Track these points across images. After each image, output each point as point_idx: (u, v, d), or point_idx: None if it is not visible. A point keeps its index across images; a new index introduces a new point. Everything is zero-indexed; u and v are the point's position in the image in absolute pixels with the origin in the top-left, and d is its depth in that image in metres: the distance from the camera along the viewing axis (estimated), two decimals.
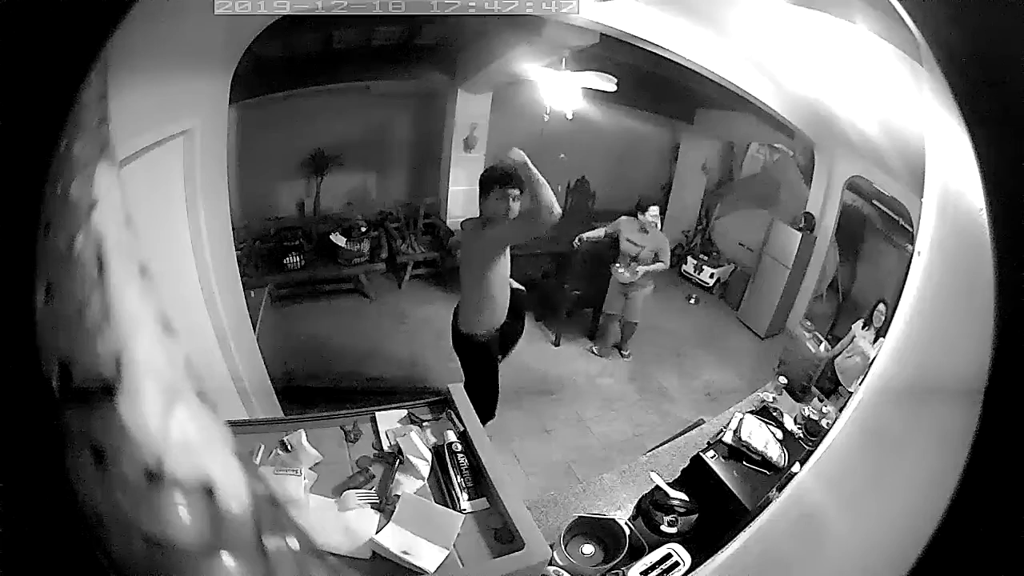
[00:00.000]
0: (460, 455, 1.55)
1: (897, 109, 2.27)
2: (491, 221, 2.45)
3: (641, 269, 3.57)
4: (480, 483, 1.49)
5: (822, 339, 3.34)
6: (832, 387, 2.96)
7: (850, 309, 3.74)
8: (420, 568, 1.26)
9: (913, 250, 1.05)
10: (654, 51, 2.88)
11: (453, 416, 1.72)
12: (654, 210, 3.58)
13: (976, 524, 0.65)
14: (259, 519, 0.52)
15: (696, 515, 1.87)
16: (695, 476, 2.10)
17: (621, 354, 3.88)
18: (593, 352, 3.93)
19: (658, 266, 3.61)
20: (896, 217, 3.27)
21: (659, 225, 3.62)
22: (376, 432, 1.66)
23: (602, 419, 3.38)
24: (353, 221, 3.97)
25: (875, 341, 2.92)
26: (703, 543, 1.47)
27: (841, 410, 1.24)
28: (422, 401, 1.80)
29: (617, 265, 3.63)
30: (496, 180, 2.42)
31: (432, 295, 4.10)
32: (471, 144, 4.24)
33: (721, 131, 4.68)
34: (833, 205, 3.76)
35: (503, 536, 1.37)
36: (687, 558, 1.51)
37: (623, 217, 3.68)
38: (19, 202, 0.59)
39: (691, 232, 4.74)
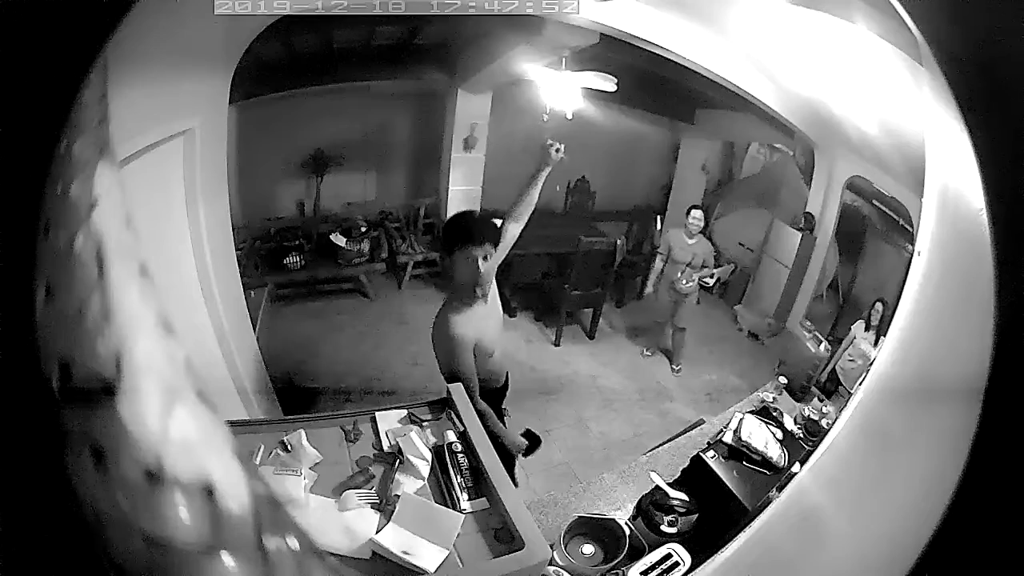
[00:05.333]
0: (460, 455, 1.55)
1: (897, 109, 2.27)
2: (457, 291, 1.98)
3: (696, 276, 3.65)
4: (480, 483, 1.49)
5: (822, 339, 3.35)
6: (833, 387, 2.96)
7: (850, 309, 3.75)
8: (420, 568, 1.26)
9: (913, 250, 1.05)
10: (654, 51, 2.88)
11: (453, 416, 1.72)
12: (697, 213, 3.63)
13: (976, 524, 0.65)
14: (259, 519, 0.52)
15: (696, 515, 1.87)
16: (695, 476, 2.10)
17: (673, 369, 3.90)
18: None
19: (706, 271, 3.67)
20: (896, 217, 3.28)
21: (702, 228, 3.67)
22: (376, 432, 1.65)
23: (602, 419, 3.38)
24: (353, 221, 3.98)
25: (875, 342, 2.92)
26: (703, 543, 1.47)
27: (841, 410, 1.24)
28: (422, 401, 1.80)
29: (680, 277, 3.66)
30: (462, 236, 1.88)
31: (432, 295, 4.10)
32: (471, 144, 4.24)
33: (721, 131, 4.68)
34: (833, 205, 3.76)
35: (503, 536, 1.36)
36: (687, 558, 1.51)
37: (671, 230, 3.77)
38: (19, 202, 0.59)
39: None
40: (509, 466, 2.18)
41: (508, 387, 2.36)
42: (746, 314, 4.23)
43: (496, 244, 1.93)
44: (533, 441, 2.18)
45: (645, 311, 4.34)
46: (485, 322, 2.03)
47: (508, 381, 2.35)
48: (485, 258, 1.89)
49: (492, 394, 2.20)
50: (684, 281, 3.63)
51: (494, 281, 2.09)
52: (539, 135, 3.82)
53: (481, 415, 1.85)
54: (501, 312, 2.15)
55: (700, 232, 3.64)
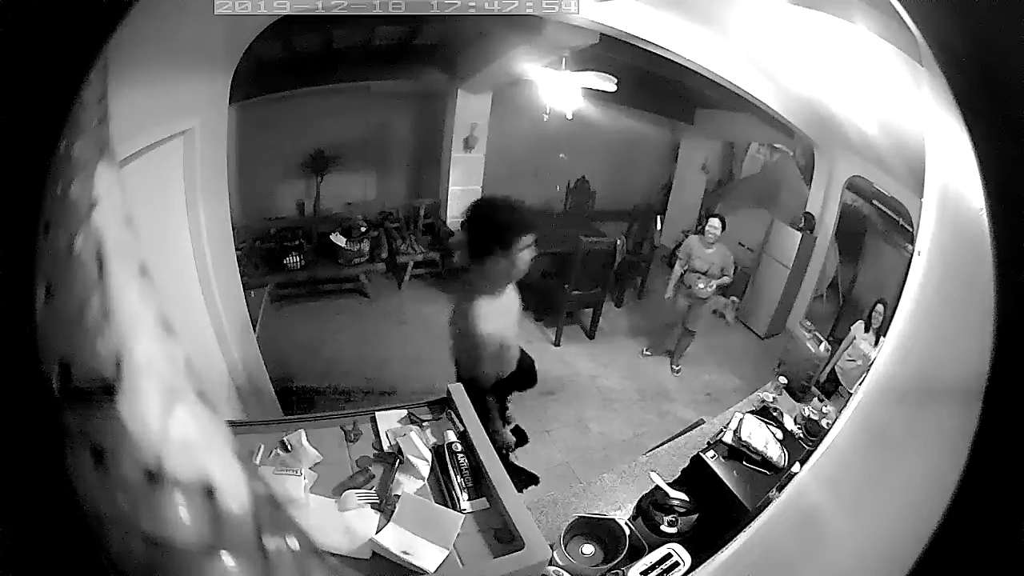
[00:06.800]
0: (460, 455, 1.55)
1: (897, 109, 2.28)
2: (489, 285, 1.83)
3: (715, 283, 3.68)
4: (480, 483, 1.49)
5: (822, 339, 3.35)
6: (833, 387, 2.96)
7: (850, 309, 3.75)
8: (420, 568, 1.26)
9: (913, 250, 1.05)
10: (654, 51, 2.88)
11: (453, 416, 1.72)
12: (714, 222, 3.63)
13: (976, 524, 0.65)
14: (259, 519, 0.52)
15: (696, 515, 1.87)
16: (695, 476, 2.10)
17: (673, 369, 3.92)
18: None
19: (725, 279, 3.70)
20: (896, 217, 3.28)
21: (720, 235, 3.68)
22: (376, 432, 1.65)
23: (602, 419, 3.38)
24: (353, 221, 3.98)
25: (875, 343, 2.92)
26: (703, 543, 1.47)
27: (841, 410, 1.24)
28: (422, 401, 1.80)
29: (698, 282, 3.68)
30: (518, 227, 1.71)
31: (432, 295, 4.10)
32: (471, 144, 4.25)
33: (721, 131, 4.68)
34: (833, 205, 3.77)
35: (503, 536, 1.36)
36: (687, 558, 1.51)
37: (689, 237, 3.78)
38: (19, 202, 0.59)
39: (691, 232, 4.76)
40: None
41: (537, 375, 2.29)
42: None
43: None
44: (521, 438, 2.23)
45: (645, 311, 4.35)
46: (509, 316, 1.93)
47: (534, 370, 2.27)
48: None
49: (500, 384, 2.15)
50: (702, 285, 3.65)
51: None
52: (539, 135, 3.85)
53: (486, 411, 1.81)
54: (518, 299, 2.07)
55: (717, 240, 3.65)
